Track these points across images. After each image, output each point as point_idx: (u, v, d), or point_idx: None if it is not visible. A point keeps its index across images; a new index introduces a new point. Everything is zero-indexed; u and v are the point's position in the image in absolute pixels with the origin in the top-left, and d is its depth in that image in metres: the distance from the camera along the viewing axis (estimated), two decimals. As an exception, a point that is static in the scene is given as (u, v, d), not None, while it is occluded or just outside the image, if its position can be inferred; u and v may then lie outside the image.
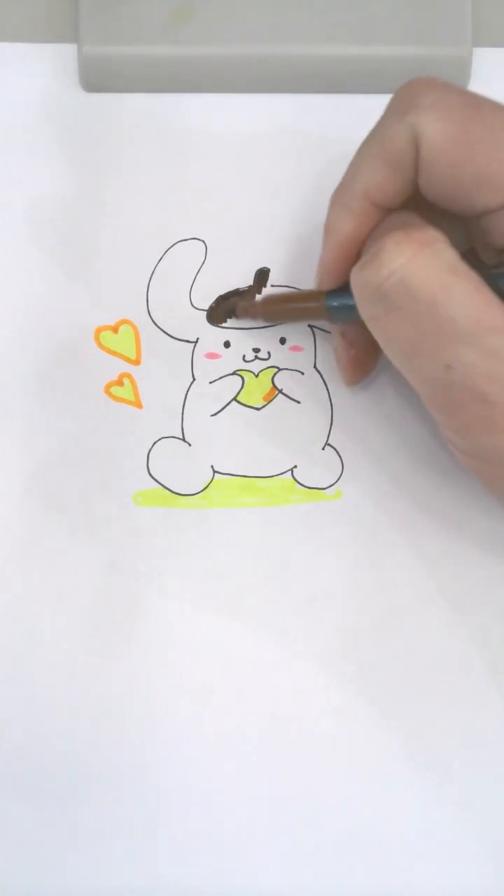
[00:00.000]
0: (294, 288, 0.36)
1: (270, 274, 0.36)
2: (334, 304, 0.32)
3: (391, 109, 0.30)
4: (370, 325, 0.29)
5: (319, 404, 0.36)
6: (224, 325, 0.36)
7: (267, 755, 0.34)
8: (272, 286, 0.36)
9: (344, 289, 0.32)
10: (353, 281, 0.29)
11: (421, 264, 0.27)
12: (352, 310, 0.30)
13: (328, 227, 0.32)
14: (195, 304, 0.36)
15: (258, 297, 0.36)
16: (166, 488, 0.35)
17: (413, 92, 0.29)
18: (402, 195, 0.30)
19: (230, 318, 0.36)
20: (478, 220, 0.30)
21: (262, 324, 0.36)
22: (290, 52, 0.37)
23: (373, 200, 0.30)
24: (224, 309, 0.36)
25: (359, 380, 0.35)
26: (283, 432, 0.36)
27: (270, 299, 0.35)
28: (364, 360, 0.34)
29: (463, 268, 0.27)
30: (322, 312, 0.33)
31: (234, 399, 0.36)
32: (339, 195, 0.31)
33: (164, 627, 0.35)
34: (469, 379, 0.28)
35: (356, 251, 0.31)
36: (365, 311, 0.29)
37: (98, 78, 0.37)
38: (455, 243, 0.28)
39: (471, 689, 0.35)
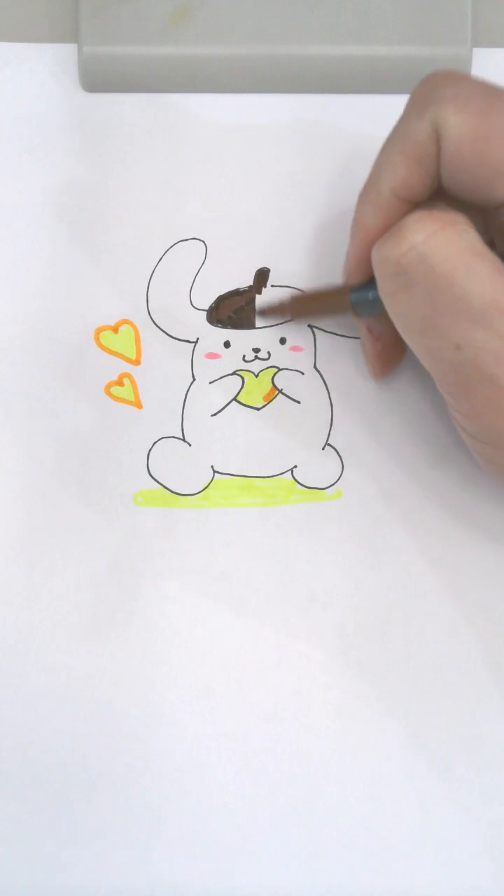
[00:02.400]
0: (294, 288, 0.36)
1: (270, 274, 0.36)
2: (359, 298, 0.32)
3: (411, 105, 0.30)
4: (387, 302, 0.30)
5: (319, 404, 0.36)
6: (224, 326, 0.36)
7: (267, 755, 0.34)
8: (272, 286, 0.36)
9: (368, 284, 0.32)
10: (374, 255, 0.29)
11: (441, 241, 0.27)
12: (374, 303, 0.31)
13: (355, 224, 0.32)
14: (195, 304, 0.36)
15: (285, 296, 0.36)
16: (166, 488, 0.35)
17: (432, 86, 0.29)
18: (428, 189, 0.30)
19: (227, 326, 0.36)
20: (498, 211, 0.30)
21: (285, 320, 0.36)
22: (290, 52, 0.37)
23: (399, 196, 0.30)
24: (225, 309, 0.36)
25: (385, 373, 0.35)
26: (283, 432, 0.36)
27: (297, 297, 0.35)
28: (390, 353, 0.34)
29: (483, 250, 0.28)
30: (347, 307, 0.33)
31: (234, 399, 0.36)
32: (366, 192, 0.31)
33: (165, 627, 0.35)
34: (478, 359, 0.28)
35: None
36: (383, 287, 0.29)
37: (98, 78, 0.37)
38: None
39: (471, 689, 0.35)
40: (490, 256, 0.28)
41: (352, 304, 0.33)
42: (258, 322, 0.36)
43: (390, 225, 0.31)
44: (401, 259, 0.28)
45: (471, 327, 0.28)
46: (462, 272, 0.27)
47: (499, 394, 0.28)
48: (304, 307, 0.35)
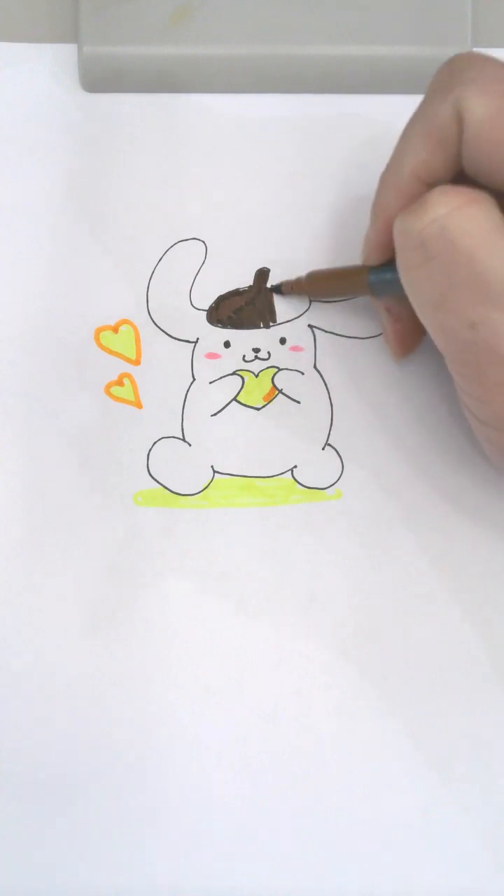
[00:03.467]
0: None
1: (270, 274, 0.36)
2: (377, 278, 0.32)
3: (434, 87, 0.30)
4: (405, 276, 0.29)
5: (319, 404, 0.36)
6: (224, 326, 0.36)
7: (267, 755, 0.34)
8: (272, 286, 0.36)
9: (386, 265, 0.32)
10: (395, 227, 0.29)
11: (464, 216, 0.27)
12: (394, 284, 0.31)
13: (375, 206, 0.32)
14: (195, 304, 0.36)
15: (303, 274, 0.36)
16: (166, 488, 0.35)
17: (455, 68, 0.29)
18: (449, 172, 0.30)
19: (227, 326, 0.36)
20: None
21: (306, 301, 0.36)
22: (290, 52, 0.37)
23: (420, 179, 0.30)
24: (225, 309, 0.36)
25: (406, 353, 0.35)
26: (283, 432, 0.36)
27: (315, 275, 0.35)
28: (410, 334, 0.34)
29: None
30: (365, 287, 0.33)
31: (234, 399, 0.36)
32: (388, 175, 0.31)
33: (165, 627, 0.35)
34: (493, 340, 0.28)
35: None
36: (402, 260, 0.29)
37: (98, 78, 0.37)
38: None
39: (472, 688, 0.35)
40: None
41: (369, 285, 0.33)
42: (276, 299, 0.36)
43: None
44: (422, 231, 0.28)
45: (487, 306, 0.27)
46: (483, 249, 0.27)
47: None
48: (322, 285, 0.35)
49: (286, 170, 0.37)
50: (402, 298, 0.30)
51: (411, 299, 0.30)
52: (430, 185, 0.30)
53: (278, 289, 0.36)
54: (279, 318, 0.36)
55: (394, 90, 0.37)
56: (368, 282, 0.33)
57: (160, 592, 0.35)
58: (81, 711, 0.34)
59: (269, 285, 0.36)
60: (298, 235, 0.37)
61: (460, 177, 0.30)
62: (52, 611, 0.34)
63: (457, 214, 0.27)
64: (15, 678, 0.34)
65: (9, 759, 0.34)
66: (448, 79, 0.29)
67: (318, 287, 0.35)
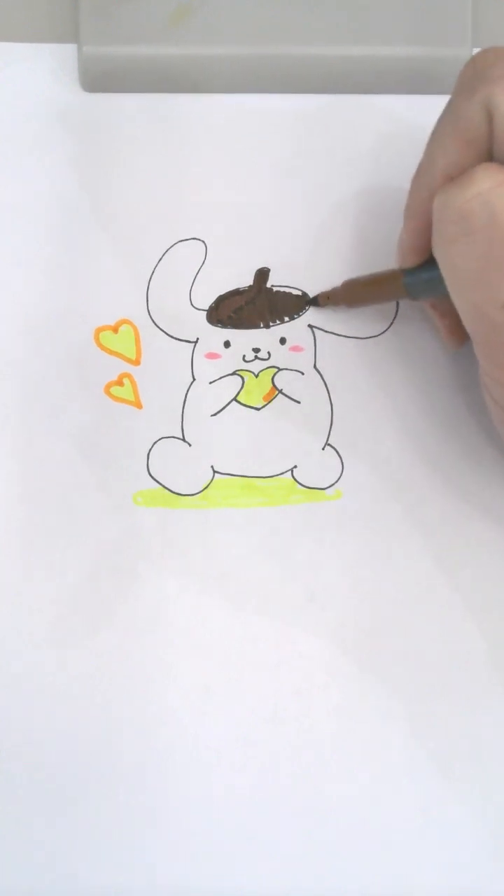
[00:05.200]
0: (295, 287, 0.36)
1: (270, 274, 0.36)
2: (413, 280, 0.32)
3: (460, 86, 0.30)
4: (441, 252, 0.29)
5: (319, 404, 0.36)
6: (224, 326, 0.36)
7: (267, 755, 0.34)
8: (272, 286, 0.36)
9: (421, 266, 0.32)
10: (436, 201, 0.29)
11: None
12: (428, 284, 0.31)
13: (409, 209, 0.32)
14: (195, 304, 0.36)
15: (338, 284, 0.36)
16: (166, 488, 0.35)
17: (481, 65, 0.29)
18: None
19: (227, 326, 0.36)
20: None
21: (343, 310, 0.36)
22: (290, 52, 0.37)
23: (452, 179, 0.30)
24: (225, 309, 0.36)
25: (462, 342, 0.35)
26: (283, 432, 0.36)
27: (350, 284, 0.35)
28: (459, 325, 0.34)
29: None
30: (401, 290, 0.33)
31: (234, 399, 0.36)
32: (419, 176, 0.31)
33: (164, 627, 0.35)
34: None
35: None
36: (441, 233, 0.29)
37: (98, 78, 0.37)
38: None
39: (472, 688, 0.35)
40: None
41: (406, 287, 0.33)
42: (311, 312, 0.36)
43: None
44: (465, 205, 0.27)
45: None
46: None
47: None
48: (358, 293, 0.35)
49: (286, 169, 0.37)
50: (442, 295, 0.30)
51: (445, 276, 0.29)
52: None
53: (315, 301, 0.36)
54: (279, 319, 0.36)
55: (394, 90, 0.37)
56: (404, 284, 0.33)
57: (160, 592, 0.35)
58: (81, 711, 0.34)
59: (287, 286, 0.36)
60: (298, 235, 0.37)
61: None
62: (52, 610, 0.34)
63: (501, 190, 0.27)
64: (15, 678, 0.34)
65: (9, 759, 0.34)
66: (473, 77, 0.29)
67: (355, 295, 0.35)
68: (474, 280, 0.28)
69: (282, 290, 0.36)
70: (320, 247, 0.37)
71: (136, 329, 0.36)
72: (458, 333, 0.35)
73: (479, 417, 0.36)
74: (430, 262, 0.31)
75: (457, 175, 0.30)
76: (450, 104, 0.30)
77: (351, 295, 0.35)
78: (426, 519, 0.35)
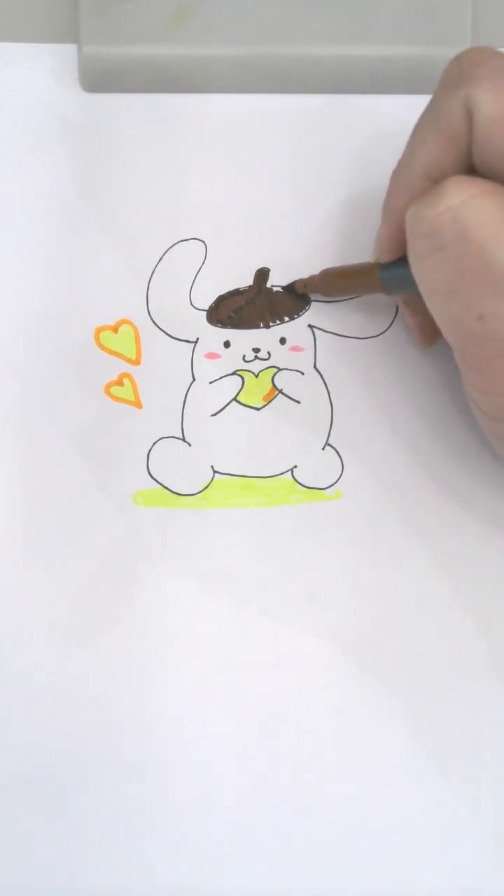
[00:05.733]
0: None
1: (270, 274, 0.36)
2: (389, 275, 0.33)
3: (443, 83, 0.30)
4: (415, 265, 0.29)
5: (319, 404, 0.36)
6: (224, 326, 0.36)
7: (267, 755, 0.34)
8: (272, 286, 0.36)
9: (397, 261, 0.32)
10: (409, 215, 0.29)
11: (478, 206, 0.27)
12: (405, 280, 0.31)
13: (387, 204, 0.32)
14: (195, 304, 0.36)
15: (317, 273, 0.36)
16: (166, 488, 0.35)
17: (465, 64, 0.29)
18: (460, 169, 0.30)
19: (227, 326, 0.36)
20: None
21: (320, 299, 0.36)
22: (290, 52, 0.37)
23: (430, 176, 0.30)
24: (225, 309, 0.36)
25: (431, 343, 0.35)
26: (283, 432, 0.36)
27: (328, 273, 0.35)
28: (431, 323, 0.34)
29: None
30: (377, 284, 0.33)
31: (234, 399, 0.36)
32: (398, 173, 0.31)
33: (165, 627, 0.35)
34: (500, 332, 0.27)
35: None
36: (414, 247, 0.29)
37: (98, 78, 0.37)
38: None
39: (472, 688, 0.35)
40: None
41: (381, 282, 0.33)
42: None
43: None
44: (436, 220, 0.28)
45: (495, 299, 0.27)
46: (495, 241, 0.27)
47: None
48: (334, 282, 0.35)
49: (286, 169, 0.37)
50: (416, 293, 0.30)
51: (421, 288, 0.30)
52: (440, 181, 0.30)
53: (291, 287, 0.36)
54: (279, 319, 0.36)
55: (394, 90, 0.37)
56: (380, 278, 0.33)
57: (160, 592, 0.35)
58: (81, 711, 0.34)
59: (281, 285, 0.36)
60: (298, 235, 0.37)
61: (471, 173, 0.30)
62: (51, 610, 0.34)
63: (471, 204, 0.27)
64: (15, 678, 0.34)
65: (8, 759, 0.34)
66: (457, 75, 0.29)
67: (331, 285, 0.35)
68: (449, 293, 0.28)
69: (282, 290, 0.36)
70: (320, 247, 0.37)
71: (136, 329, 0.36)
72: (429, 332, 0.35)
73: (479, 417, 0.36)
74: (406, 259, 0.31)
75: (436, 173, 0.30)
76: (432, 101, 0.30)
77: (327, 284, 0.35)
78: (426, 519, 0.35)
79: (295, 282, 0.36)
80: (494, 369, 0.28)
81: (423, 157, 0.30)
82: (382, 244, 0.33)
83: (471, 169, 0.30)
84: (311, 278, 0.36)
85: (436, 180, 0.30)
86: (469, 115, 0.28)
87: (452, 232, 0.27)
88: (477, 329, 0.28)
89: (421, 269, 0.29)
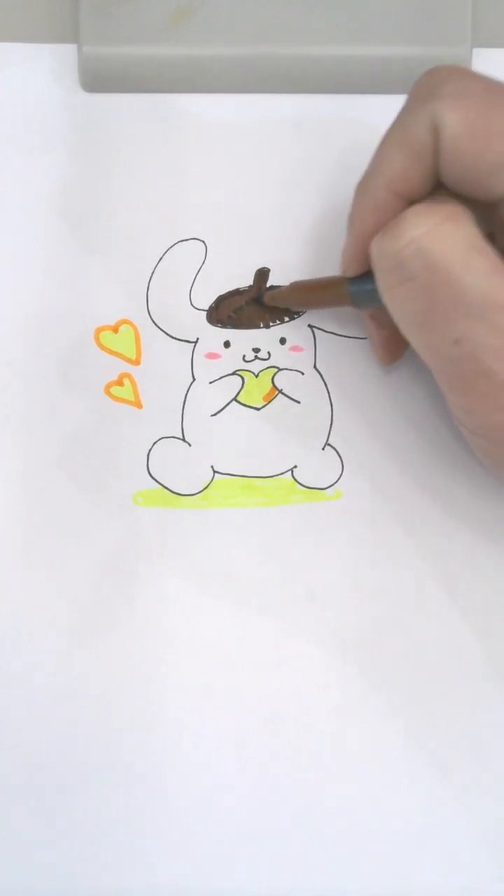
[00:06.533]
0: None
1: (270, 274, 0.36)
2: (356, 289, 0.32)
3: (412, 99, 0.30)
4: (385, 296, 0.30)
5: (319, 404, 0.36)
6: (224, 326, 0.36)
7: (266, 755, 0.34)
8: (272, 286, 0.36)
9: (366, 274, 0.32)
10: (373, 249, 0.29)
11: (440, 235, 0.27)
12: (373, 294, 0.31)
13: (351, 217, 0.32)
14: (195, 304, 0.36)
15: (286, 285, 0.36)
16: (166, 488, 0.35)
17: (433, 81, 0.29)
18: (425, 185, 0.30)
19: (227, 326, 0.36)
20: (498, 206, 0.30)
21: (289, 312, 0.36)
22: (290, 52, 0.37)
23: (395, 191, 0.30)
24: (225, 309, 0.36)
25: (394, 359, 0.35)
26: (283, 432, 0.36)
27: (296, 286, 0.35)
28: (396, 340, 0.34)
29: (482, 244, 0.28)
30: (345, 298, 0.33)
31: (234, 399, 0.36)
32: (363, 185, 0.31)
33: (165, 627, 0.35)
34: (477, 354, 0.28)
35: None
36: (382, 280, 0.29)
37: (98, 78, 0.37)
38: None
39: (472, 688, 0.35)
40: (488, 252, 0.28)
41: (350, 296, 0.33)
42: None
43: (386, 219, 0.31)
44: (399, 253, 0.28)
45: (469, 323, 0.27)
46: (460, 267, 0.27)
47: (497, 389, 0.28)
48: (303, 295, 0.35)
49: (286, 169, 0.37)
50: (384, 307, 0.30)
51: (394, 318, 0.30)
52: (405, 197, 0.30)
53: (261, 300, 0.36)
54: (279, 319, 0.36)
55: (394, 90, 0.37)
56: (349, 293, 0.33)
57: (160, 592, 0.35)
58: (81, 711, 0.34)
59: (281, 285, 0.36)
60: (298, 235, 0.37)
61: (438, 188, 0.30)
62: (51, 610, 0.34)
63: (433, 233, 0.27)
64: (14, 678, 0.34)
65: (8, 759, 0.34)
66: (426, 91, 0.29)
67: (300, 298, 0.35)
68: (422, 321, 0.29)
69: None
70: (320, 247, 0.37)
71: (136, 329, 0.36)
72: (393, 348, 0.35)
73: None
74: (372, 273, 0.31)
75: (401, 187, 0.30)
76: (399, 116, 0.30)
77: (295, 297, 0.35)
78: (426, 518, 0.35)
79: (265, 294, 0.36)
80: (474, 388, 0.29)
81: (387, 170, 0.30)
82: (348, 258, 0.33)
83: (438, 183, 0.30)
84: (280, 291, 0.36)
85: (400, 194, 0.30)
86: (435, 132, 0.29)
87: (418, 263, 0.28)
88: (455, 353, 0.28)
89: (391, 300, 0.29)
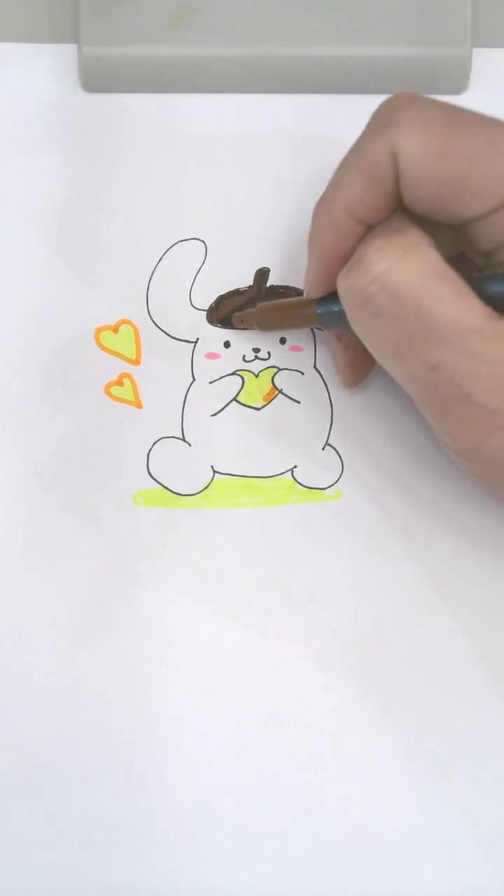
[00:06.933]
0: (294, 287, 0.36)
1: (270, 274, 0.36)
2: (324, 311, 0.32)
3: (371, 125, 0.30)
4: (357, 330, 0.30)
5: (319, 404, 0.36)
6: (224, 326, 0.36)
7: (266, 755, 0.34)
8: (272, 286, 0.36)
9: (333, 295, 0.32)
10: (339, 286, 0.30)
11: (403, 268, 0.28)
12: (341, 315, 0.31)
13: (311, 239, 0.32)
14: (195, 304, 0.36)
15: (254, 307, 0.36)
16: (166, 488, 0.35)
17: (392, 108, 0.30)
18: (385, 209, 0.30)
19: (227, 326, 0.36)
20: (463, 228, 0.30)
21: (259, 331, 0.36)
22: (290, 52, 0.37)
23: (354, 215, 0.30)
24: (225, 309, 0.36)
25: (358, 381, 0.35)
26: (283, 432, 0.36)
27: (264, 308, 0.35)
28: (362, 361, 0.35)
29: (445, 270, 0.28)
30: (314, 319, 0.33)
31: (234, 399, 0.36)
32: (322, 207, 0.31)
33: (164, 627, 0.35)
34: (454, 380, 0.28)
35: (341, 262, 0.31)
36: (351, 316, 0.30)
37: (98, 78, 0.37)
38: (443, 249, 0.28)
39: (470, 689, 0.35)
40: (453, 277, 0.28)
41: (319, 317, 0.33)
42: (230, 332, 0.36)
43: (345, 243, 0.31)
44: (365, 290, 0.28)
45: (442, 350, 0.28)
46: (427, 296, 0.27)
47: (476, 412, 0.28)
48: (270, 318, 0.35)
49: (286, 169, 0.37)
50: (349, 328, 0.30)
51: (369, 349, 0.30)
52: (364, 222, 0.31)
53: (229, 322, 0.36)
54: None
55: (394, 90, 0.37)
56: (317, 314, 0.33)
57: (160, 592, 0.35)
58: (80, 711, 0.34)
59: (281, 285, 0.36)
60: (298, 235, 0.37)
61: (398, 209, 0.30)
62: (51, 610, 0.34)
63: (395, 268, 0.28)
64: (14, 678, 0.34)
65: (8, 759, 0.34)
66: (385, 118, 0.29)
67: (267, 320, 0.35)
68: (397, 351, 0.29)
69: (282, 290, 0.36)
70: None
71: (136, 329, 0.36)
72: (358, 369, 0.35)
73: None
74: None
75: (360, 210, 0.30)
76: (358, 141, 0.30)
77: (263, 319, 0.35)
78: (426, 518, 0.35)
79: (233, 316, 0.36)
80: (455, 414, 0.29)
81: (346, 193, 0.30)
82: (311, 280, 0.33)
83: (398, 206, 0.30)
84: (248, 312, 0.36)
85: (358, 217, 0.30)
86: (395, 158, 0.29)
87: (385, 298, 0.28)
88: (432, 379, 0.28)
89: (364, 333, 0.30)
